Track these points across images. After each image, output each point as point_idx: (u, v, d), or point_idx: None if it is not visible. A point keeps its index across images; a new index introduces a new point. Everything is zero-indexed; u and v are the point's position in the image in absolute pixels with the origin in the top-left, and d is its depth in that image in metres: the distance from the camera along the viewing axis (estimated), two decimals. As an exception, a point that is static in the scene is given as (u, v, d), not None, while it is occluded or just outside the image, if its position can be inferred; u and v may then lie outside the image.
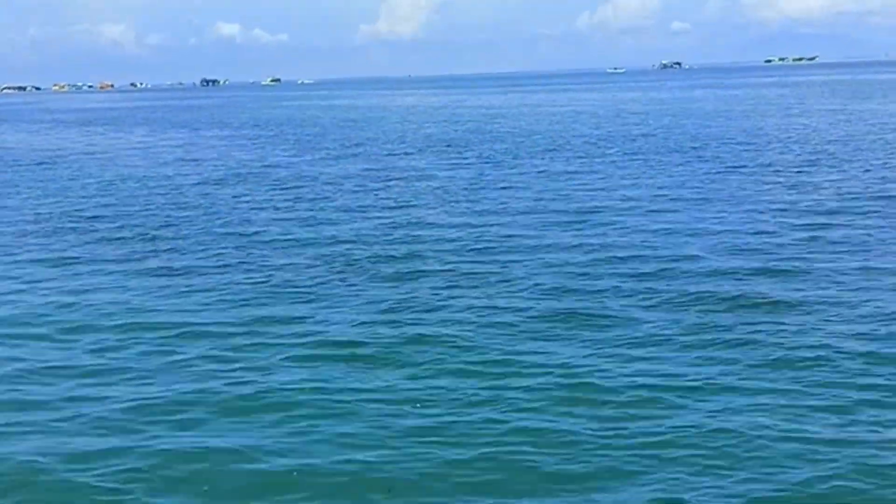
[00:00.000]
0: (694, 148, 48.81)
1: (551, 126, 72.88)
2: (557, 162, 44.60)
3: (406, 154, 52.07)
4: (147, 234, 27.83)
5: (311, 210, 31.73)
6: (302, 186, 38.84)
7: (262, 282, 20.82)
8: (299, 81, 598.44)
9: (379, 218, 29.25)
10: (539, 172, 40.45)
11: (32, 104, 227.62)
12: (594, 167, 41.52)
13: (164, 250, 25.06)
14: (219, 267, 22.63)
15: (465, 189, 35.85)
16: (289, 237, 26.43)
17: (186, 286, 20.65)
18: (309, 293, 19.59)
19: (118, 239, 27.11)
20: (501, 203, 31.56)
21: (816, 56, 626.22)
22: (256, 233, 27.35)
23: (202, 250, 24.84)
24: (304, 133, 75.94)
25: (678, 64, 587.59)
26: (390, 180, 39.57)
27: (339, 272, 21.53)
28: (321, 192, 36.44)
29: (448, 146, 56.30)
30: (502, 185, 36.71)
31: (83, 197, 37.60)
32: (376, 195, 34.98)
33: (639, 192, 32.96)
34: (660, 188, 33.92)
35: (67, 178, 45.49)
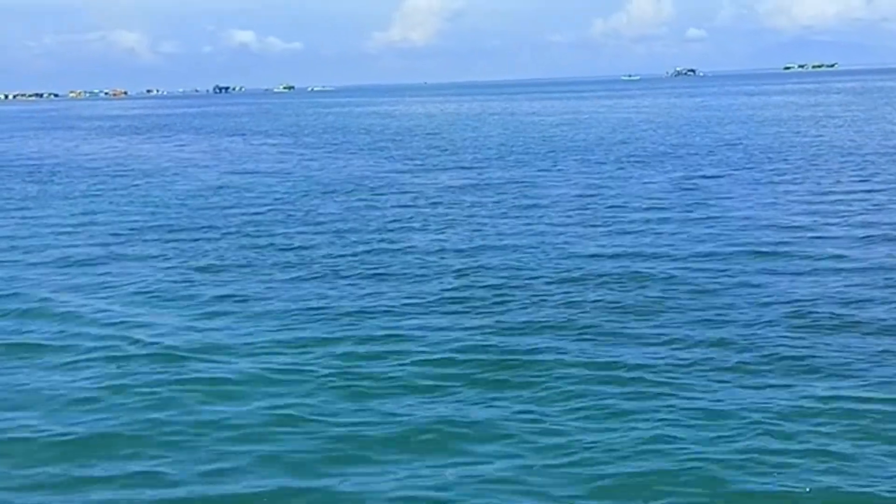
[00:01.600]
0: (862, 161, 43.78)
1: (649, 134, 70.38)
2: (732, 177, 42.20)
3: (504, 164, 49.66)
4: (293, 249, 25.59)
5: (445, 225, 29.38)
6: (406, 195, 36.95)
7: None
8: (309, 89, 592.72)
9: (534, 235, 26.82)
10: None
11: (60, 111, 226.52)
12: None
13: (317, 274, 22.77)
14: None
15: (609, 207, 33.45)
16: (437, 252, 24.14)
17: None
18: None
19: (259, 256, 24.86)
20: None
21: (836, 63, 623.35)
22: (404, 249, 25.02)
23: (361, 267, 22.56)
24: (369, 141, 73.57)
25: (692, 71, 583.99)
26: (514, 193, 37.14)
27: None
28: (436, 204, 34.18)
29: (530, 155, 54.06)
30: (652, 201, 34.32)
31: (189, 209, 35.33)
32: (505, 207, 32.60)
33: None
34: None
35: (158, 188, 43.26)
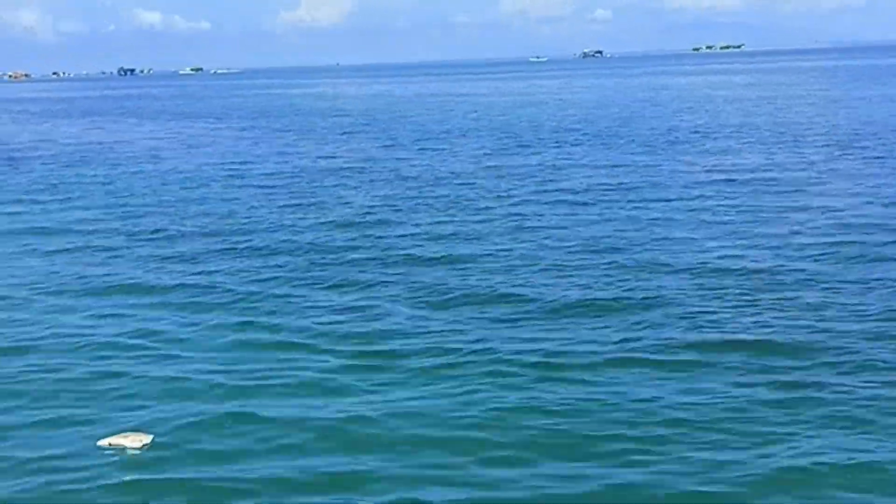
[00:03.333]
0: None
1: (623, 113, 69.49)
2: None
3: (515, 148, 48.19)
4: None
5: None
6: (433, 185, 34.76)
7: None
8: (212, 71, 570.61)
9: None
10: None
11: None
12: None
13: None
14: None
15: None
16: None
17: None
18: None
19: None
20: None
21: (743, 44, 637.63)
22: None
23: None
24: (338, 123, 70.98)
25: (599, 52, 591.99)
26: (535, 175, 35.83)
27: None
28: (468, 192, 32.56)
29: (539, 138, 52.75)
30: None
31: (193, 200, 32.88)
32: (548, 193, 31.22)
33: None
34: None
35: (146, 177, 40.16)
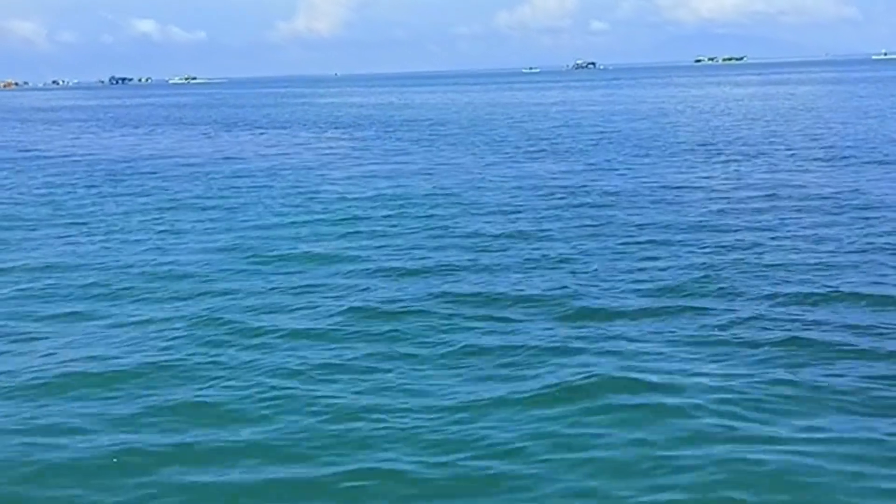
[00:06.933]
0: None
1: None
2: None
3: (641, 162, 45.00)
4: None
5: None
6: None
7: None
8: (183, 80, 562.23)
9: None
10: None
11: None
12: None
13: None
14: None
15: None
16: None
17: None
18: None
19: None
20: None
21: (745, 56, 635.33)
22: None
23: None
24: (462, 135, 67.69)
25: (592, 64, 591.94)
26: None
27: None
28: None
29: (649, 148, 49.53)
30: None
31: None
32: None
33: None
34: None
35: (315, 187, 37.16)
